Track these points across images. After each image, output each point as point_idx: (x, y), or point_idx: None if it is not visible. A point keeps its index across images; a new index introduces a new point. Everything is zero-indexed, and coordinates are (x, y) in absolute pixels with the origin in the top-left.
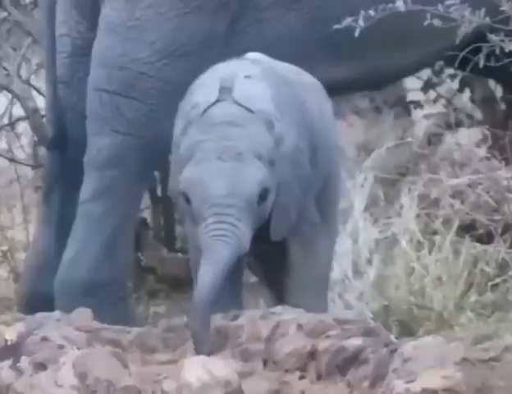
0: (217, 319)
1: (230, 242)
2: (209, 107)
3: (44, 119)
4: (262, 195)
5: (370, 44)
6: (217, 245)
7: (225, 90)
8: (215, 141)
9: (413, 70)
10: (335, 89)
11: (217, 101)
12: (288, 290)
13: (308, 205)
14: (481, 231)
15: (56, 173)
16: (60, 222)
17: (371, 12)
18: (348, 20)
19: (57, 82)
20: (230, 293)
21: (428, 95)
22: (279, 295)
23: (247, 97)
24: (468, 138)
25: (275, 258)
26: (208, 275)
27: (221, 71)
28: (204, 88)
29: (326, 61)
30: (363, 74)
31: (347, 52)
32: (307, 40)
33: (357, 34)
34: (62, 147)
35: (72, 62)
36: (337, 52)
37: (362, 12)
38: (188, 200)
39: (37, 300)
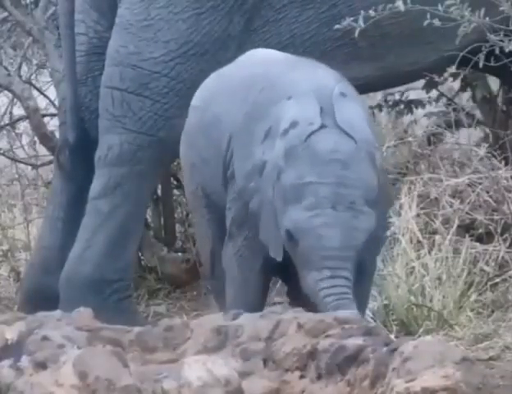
0: (217, 319)
1: (351, 298)
2: (313, 133)
3: (45, 118)
4: (368, 243)
5: (388, 43)
6: (345, 305)
7: (326, 113)
8: (329, 187)
9: (431, 69)
10: None
11: (321, 127)
12: None
13: None
14: (480, 230)
15: (66, 171)
16: (69, 220)
17: (371, 12)
18: (348, 20)
19: (77, 85)
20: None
21: (430, 94)
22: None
23: (349, 122)
24: (468, 138)
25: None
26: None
27: (310, 78)
28: (297, 100)
29: (343, 60)
30: (380, 73)
31: (364, 51)
32: (323, 39)
33: (356, 34)
34: (74, 145)
35: (87, 61)
36: (354, 51)
37: (362, 12)
38: (293, 239)
39: (41, 297)
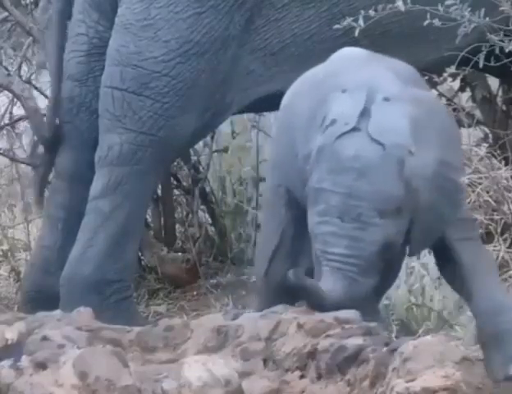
0: (217, 319)
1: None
2: (343, 134)
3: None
4: (385, 250)
5: (390, 42)
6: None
7: (363, 116)
8: (339, 198)
9: (431, 69)
10: None
11: (353, 129)
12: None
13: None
14: (481, 230)
15: (67, 171)
16: (69, 220)
17: (371, 12)
18: (348, 20)
19: (60, 86)
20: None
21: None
22: None
23: (382, 128)
24: (468, 138)
25: None
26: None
27: (368, 78)
28: (348, 97)
29: None
30: None
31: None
32: (324, 38)
33: (356, 33)
34: (75, 145)
35: (88, 61)
36: None
37: (362, 12)
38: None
39: (41, 297)
